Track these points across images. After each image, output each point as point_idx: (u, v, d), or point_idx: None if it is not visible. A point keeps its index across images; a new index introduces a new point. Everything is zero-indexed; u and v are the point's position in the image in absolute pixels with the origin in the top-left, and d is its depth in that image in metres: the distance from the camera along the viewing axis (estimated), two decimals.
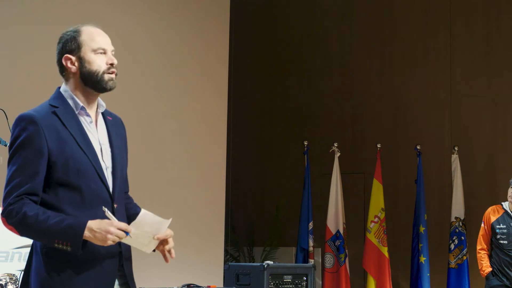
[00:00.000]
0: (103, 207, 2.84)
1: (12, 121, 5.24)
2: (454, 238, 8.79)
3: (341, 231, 9.06)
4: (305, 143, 9.47)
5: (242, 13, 10.65)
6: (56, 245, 2.73)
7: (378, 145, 9.22)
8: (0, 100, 6.09)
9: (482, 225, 7.13)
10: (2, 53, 6.94)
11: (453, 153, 8.99)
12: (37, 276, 2.80)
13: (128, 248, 3.04)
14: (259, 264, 6.99)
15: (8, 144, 2.88)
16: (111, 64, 3.00)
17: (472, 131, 9.64)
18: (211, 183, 8.82)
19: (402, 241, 9.32)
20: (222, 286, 7.60)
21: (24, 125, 2.82)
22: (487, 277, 7.03)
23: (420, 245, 8.76)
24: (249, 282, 6.85)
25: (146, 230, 2.99)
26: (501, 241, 6.93)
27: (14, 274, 5.34)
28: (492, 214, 7.07)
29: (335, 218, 9.10)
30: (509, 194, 6.97)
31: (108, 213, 2.82)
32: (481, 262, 7.04)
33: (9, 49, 7.00)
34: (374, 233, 8.94)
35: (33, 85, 7.16)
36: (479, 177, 9.46)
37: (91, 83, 2.96)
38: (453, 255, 8.74)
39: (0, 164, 6.80)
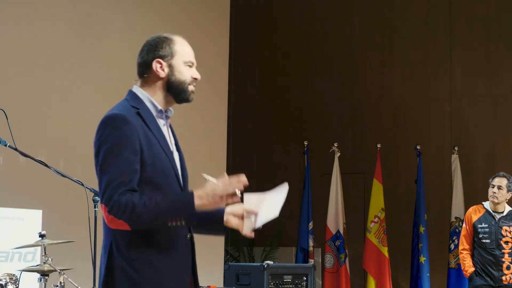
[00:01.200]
0: (203, 173, 2.91)
1: (12, 121, 5.25)
2: (454, 238, 8.79)
3: (341, 231, 9.06)
4: (305, 143, 9.47)
5: (242, 13, 10.65)
6: (169, 224, 2.76)
7: (378, 145, 9.22)
8: (0, 100, 6.09)
9: (464, 225, 7.11)
10: (2, 53, 6.93)
11: (453, 153, 8.99)
12: (122, 274, 2.80)
13: (193, 238, 3.03)
14: (259, 264, 6.99)
15: (96, 145, 2.85)
16: (195, 79, 3.05)
17: (472, 131, 9.63)
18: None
19: (402, 241, 9.32)
20: (222, 286, 7.60)
21: (118, 125, 2.86)
22: (470, 277, 7.01)
23: (420, 245, 8.76)
24: (249, 282, 6.85)
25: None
26: (484, 240, 6.92)
27: (14, 274, 5.34)
28: (473, 214, 7.06)
29: (335, 218, 9.10)
30: (489, 193, 6.96)
31: (208, 176, 2.88)
32: (464, 262, 7.03)
33: (9, 49, 7.00)
34: (374, 233, 8.94)
35: (33, 85, 7.16)
36: (479, 177, 9.45)
37: (175, 92, 3.02)
38: (453, 255, 8.73)
39: (0, 164, 6.80)
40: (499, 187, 6.88)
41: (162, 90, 3.02)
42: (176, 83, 3.00)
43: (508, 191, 6.89)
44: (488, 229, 6.89)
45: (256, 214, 2.95)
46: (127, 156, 2.80)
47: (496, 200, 6.88)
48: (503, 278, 6.83)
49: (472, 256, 7.01)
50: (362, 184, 9.89)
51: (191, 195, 2.79)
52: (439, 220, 9.39)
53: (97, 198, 5.11)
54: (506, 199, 6.92)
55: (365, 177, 9.84)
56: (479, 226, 6.94)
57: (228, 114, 9.39)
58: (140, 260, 2.81)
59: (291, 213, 9.88)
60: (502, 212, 6.93)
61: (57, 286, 5.32)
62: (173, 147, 3.02)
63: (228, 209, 3.01)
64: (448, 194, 9.08)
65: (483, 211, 7.00)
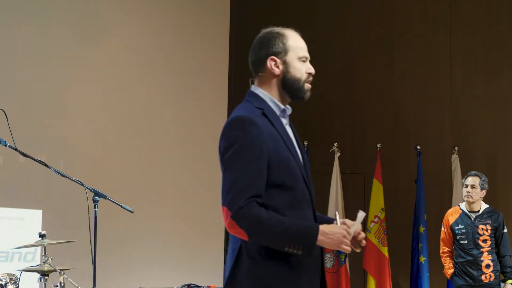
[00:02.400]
0: (336, 211, 2.98)
1: (12, 121, 5.25)
2: None
3: None
4: (305, 143, 9.47)
5: (242, 13, 10.65)
6: (286, 249, 2.70)
7: (378, 145, 9.22)
8: (0, 100, 6.09)
9: (442, 228, 7.13)
10: (2, 53, 6.93)
11: (453, 153, 8.99)
12: (254, 278, 2.74)
13: (323, 249, 2.99)
14: None
15: (223, 147, 2.81)
16: (310, 74, 2.98)
17: (472, 131, 9.63)
18: (211, 183, 8.82)
19: (402, 241, 9.32)
20: (222, 286, 7.60)
21: (246, 127, 2.77)
22: (451, 278, 7.03)
23: (420, 245, 8.76)
24: None
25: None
26: (462, 241, 6.93)
27: (14, 274, 5.35)
28: (450, 216, 7.08)
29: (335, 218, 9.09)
30: (464, 193, 6.97)
31: (338, 216, 2.84)
32: (444, 265, 7.06)
33: (9, 49, 7.00)
34: (374, 233, 8.94)
35: (33, 85, 7.16)
36: None
37: (291, 90, 2.95)
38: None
39: (0, 164, 6.80)
40: (473, 186, 6.90)
41: (278, 88, 2.95)
42: (292, 80, 2.93)
43: (481, 189, 6.91)
44: (464, 230, 6.92)
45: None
46: (253, 159, 2.74)
47: (471, 200, 6.91)
48: (483, 277, 6.85)
49: (455, 257, 7.04)
50: (362, 184, 9.89)
51: (317, 228, 2.74)
52: (439, 220, 9.37)
53: (97, 198, 5.11)
54: (480, 197, 6.94)
55: (365, 177, 9.84)
56: (456, 227, 6.97)
57: (228, 114, 9.39)
58: (273, 266, 2.75)
59: None
60: (478, 211, 6.94)
61: (57, 286, 5.32)
62: (296, 147, 2.96)
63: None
64: (448, 194, 9.08)
65: (459, 212, 7.02)
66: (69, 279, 5.45)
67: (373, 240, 8.93)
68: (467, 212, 6.95)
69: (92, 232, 5.04)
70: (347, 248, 2.82)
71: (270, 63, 2.93)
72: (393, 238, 9.22)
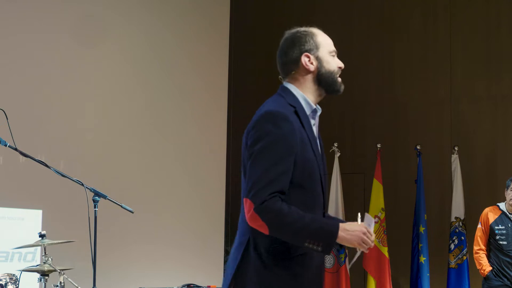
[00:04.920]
0: (359, 213, 2.91)
1: (12, 121, 5.24)
2: (454, 238, 8.79)
3: None
4: None
5: (242, 13, 10.64)
6: (306, 244, 2.72)
7: (378, 145, 9.22)
8: (0, 100, 6.09)
9: (479, 226, 7.14)
10: (2, 53, 6.93)
11: (453, 153, 8.99)
12: (257, 274, 2.76)
13: None
14: None
15: (253, 138, 2.81)
16: (340, 68, 3.06)
17: (472, 131, 9.63)
18: (211, 183, 8.82)
19: (402, 241, 9.32)
20: (221, 286, 7.59)
21: (279, 122, 2.79)
22: (487, 277, 7.05)
23: (420, 245, 8.76)
24: None
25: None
26: (501, 242, 6.95)
27: (14, 274, 5.35)
28: (490, 215, 7.10)
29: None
30: (510, 196, 7.00)
31: (360, 217, 2.88)
32: (480, 262, 7.06)
33: (9, 49, 7.00)
34: (374, 233, 8.93)
35: (33, 85, 7.16)
36: (479, 177, 9.46)
37: (326, 84, 3.01)
38: (453, 255, 8.74)
39: (0, 164, 6.80)
40: None
41: (313, 84, 3.00)
42: (327, 74, 3.00)
43: None
44: (505, 231, 6.95)
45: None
46: (282, 155, 2.75)
47: None
48: None
49: (488, 257, 7.06)
50: (362, 184, 9.89)
51: (337, 225, 2.77)
52: (439, 220, 9.39)
53: (97, 198, 5.11)
54: None
55: (365, 177, 9.83)
56: (496, 227, 6.99)
57: (228, 114, 9.39)
58: (279, 264, 2.78)
59: None
60: None
61: (57, 286, 5.32)
62: (319, 148, 2.98)
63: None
64: (448, 194, 9.08)
65: (499, 213, 7.06)
66: (69, 279, 5.45)
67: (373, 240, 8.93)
68: (508, 213, 6.99)
69: (92, 232, 5.04)
70: (368, 245, 2.84)
71: (304, 60, 2.98)
72: (393, 238, 9.22)
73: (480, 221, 7.19)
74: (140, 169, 8.12)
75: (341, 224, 2.79)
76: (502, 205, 7.09)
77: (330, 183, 9.22)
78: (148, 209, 7.93)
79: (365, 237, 2.82)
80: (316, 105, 3.03)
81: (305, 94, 2.99)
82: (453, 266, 8.72)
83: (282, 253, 2.78)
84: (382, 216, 8.95)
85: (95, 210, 5.11)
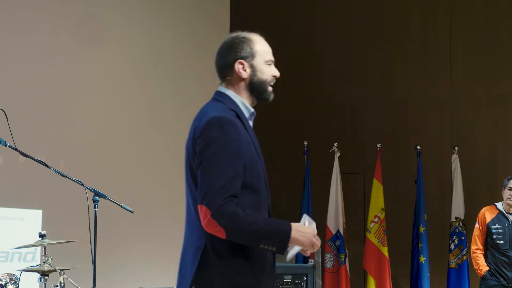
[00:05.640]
0: (304, 214, 3.00)
1: (12, 121, 5.25)
2: (454, 238, 8.79)
3: (341, 231, 9.06)
4: (305, 143, 9.47)
5: (242, 13, 10.64)
6: (261, 246, 2.79)
7: (378, 145, 9.22)
8: (0, 100, 6.09)
9: (477, 225, 7.16)
10: (2, 53, 6.93)
11: (453, 153, 8.98)
12: (223, 276, 2.82)
13: None
14: None
15: (201, 146, 2.86)
16: (275, 76, 3.08)
17: (472, 131, 9.63)
18: None
19: (402, 241, 9.32)
20: None
21: (225, 127, 2.85)
22: (484, 277, 7.06)
23: (420, 245, 8.76)
24: None
25: None
26: (498, 241, 6.96)
27: (14, 274, 5.35)
28: (487, 215, 7.11)
29: (335, 218, 9.10)
30: (506, 196, 7.00)
31: (306, 218, 2.95)
32: (478, 261, 7.07)
33: (9, 49, 7.00)
34: (374, 233, 8.94)
35: (33, 85, 7.16)
36: (479, 177, 9.46)
37: (257, 92, 3.04)
38: (453, 255, 8.74)
39: (0, 164, 6.80)
40: None
41: (246, 91, 3.03)
42: (258, 83, 3.03)
43: None
44: (502, 230, 6.96)
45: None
46: (233, 160, 2.81)
47: None
48: None
49: (485, 256, 7.06)
50: (362, 184, 9.89)
51: (290, 226, 2.85)
52: (439, 220, 9.39)
53: (97, 198, 5.11)
54: None
55: (365, 177, 9.83)
56: (493, 227, 7.00)
57: None
58: (242, 265, 2.84)
59: (291, 213, 9.88)
60: None
61: (57, 286, 5.32)
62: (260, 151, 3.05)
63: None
64: (448, 194, 9.08)
65: (496, 212, 7.07)
66: (69, 279, 5.45)
67: (373, 240, 8.93)
68: (505, 213, 7.00)
69: (92, 232, 5.04)
70: (316, 247, 2.91)
71: (238, 67, 3.01)
72: (393, 238, 9.22)
73: (477, 220, 7.20)
74: (140, 169, 8.12)
75: (293, 225, 2.86)
76: (499, 205, 7.10)
77: (330, 183, 9.21)
78: (148, 209, 7.92)
79: (314, 240, 2.89)
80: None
81: (242, 98, 3.04)
82: (453, 266, 8.72)
83: (241, 253, 2.84)
84: (382, 216, 8.95)
85: (95, 210, 5.11)
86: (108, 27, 7.92)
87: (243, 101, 3.02)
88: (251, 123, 3.05)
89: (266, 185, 3.00)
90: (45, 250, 5.41)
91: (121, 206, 5.31)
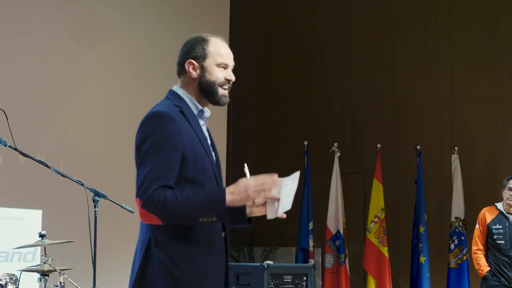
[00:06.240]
0: (245, 164, 3.00)
1: (12, 121, 5.25)
2: (454, 238, 8.79)
3: (341, 231, 9.06)
4: (305, 143, 9.47)
5: (242, 13, 10.64)
6: (201, 219, 2.80)
7: (378, 145, 9.22)
8: (0, 100, 6.09)
9: (477, 226, 7.16)
10: (2, 53, 6.93)
11: (453, 153, 8.98)
12: (161, 268, 2.85)
13: (228, 237, 3.08)
14: (259, 264, 6.98)
15: (139, 139, 2.95)
16: (228, 81, 3.08)
17: (472, 131, 9.63)
18: None
19: (402, 241, 9.32)
20: None
21: (163, 122, 2.90)
22: (485, 277, 7.06)
23: (420, 245, 8.76)
24: (249, 282, 6.85)
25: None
26: (498, 241, 6.97)
27: (14, 274, 5.35)
28: (487, 215, 7.12)
29: (335, 218, 9.10)
30: (506, 196, 7.01)
31: (246, 170, 2.95)
32: (479, 262, 7.08)
33: (9, 49, 7.00)
34: (374, 233, 8.94)
35: (33, 85, 7.16)
36: (479, 177, 9.46)
37: (207, 93, 3.06)
38: (453, 255, 8.74)
39: (0, 164, 6.80)
40: None
41: (196, 91, 3.06)
42: (206, 84, 3.04)
43: None
44: (502, 231, 6.97)
45: (278, 200, 2.97)
46: (168, 152, 2.86)
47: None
48: None
49: (486, 257, 7.06)
50: (362, 184, 9.89)
51: (223, 190, 2.84)
52: (439, 220, 9.39)
53: (97, 198, 5.11)
54: None
55: (365, 177, 9.83)
56: (494, 227, 7.01)
57: (228, 114, 9.39)
58: (181, 256, 2.86)
59: (291, 213, 9.86)
60: None
61: (57, 286, 5.32)
62: (210, 148, 3.07)
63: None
64: (448, 194, 9.08)
65: (496, 212, 7.07)
66: (69, 279, 5.45)
67: (373, 240, 8.93)
68: (505, 213, 7.00)
69: (92, 232, 5.04)
70: (257, 194, 2.86)
71: (188, 67, 3.05)
72: (393, 238, 9.22)
73: (477, 221, 7.20)
74: None
75: (227, 188, 2.85)
76: (499, 205, 7.10)
77: (330, 183, 9.21)
78: None
79: (257, 188, 2.85)
80: (204, 108, 3.11)
81: (192, 96, 3.07)
82: (453, 266, 8.72)
83: (182, 245, 2.86)
84: (382, 216, 8.95)
85: (95, 210, 5.12)
86: (108, 27, 7.91)
87: (191, 98, 3.05)
88: (202, 121, 3.07)
89: (218, 181, 3.02)
90: (45, 250, 5.41)
91: (121, 206, 5.31)
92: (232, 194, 2.83)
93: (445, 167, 9.27)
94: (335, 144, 9.34)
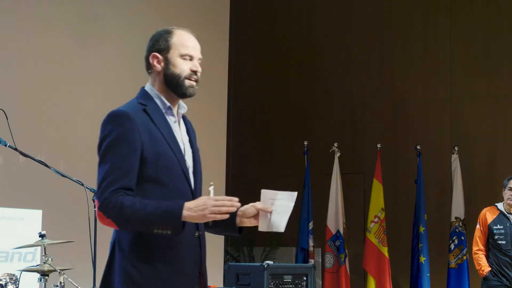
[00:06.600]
0: (211, 183, 2.92)
1: (12, 121, 5.25)
2: (454, 238, 8.79)
3: (341, 231, 9.07)
4: (305, 143, 9.47)
5: (242, 13, 10.65)
6: (156, 230, 2.76)
7: (378, 145, 9.22)
8: (0, 100, 6.09)
9: (478, 226, 7.16)
10: (2, 53, 6.93)
11: (453, 153, 8.99)
12: (122, 273, 2.82)
13: (204, 236, 3.04)
14: (259, 264, 6.98)
15: (99, 141, 2.88)
16: (194, 72, 3.00)
17: (472, 131, 9.64)
18: (210, 183, 8.81)
19: (402, 241, 9.32)
20: (222, 286, 7.60)
21: (119, 121, 2.87)
22: (486, 277, 7.06)
23: (420, 245, 8.76)
24: (249, 282, 6.85)
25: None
26: (499, 242, 6.97)
27: (14, 274, 5.34)
28: (488, 215, 7.12)
29: (335, 218, 9.10)
30: (507, 196, 7.01)
31: (211, 189, 2.90)
32: (479, 262, 7.08)
33: (9, 49, 7.00)
34: (374, 233, 8.94)
35: (33, 85, 7.16)
36: (479, 177, 9.46)
37: (172, 86, 2.98)
38: (453, 255, 8.74)
39: (0, 164, 6.80)
40: None
41: (163, 85, 2.99)
42: (171, 77, 2.96)
43: None
44: (503, 231, 6.97)
45: (270, 212, 2.93)
46: (124, 152, 2.81)
47: None
48: None
49: (487, 257, 7.07)
50: (362, 184, 9.89)
51: (181, 205, 2.77)
52: (439, 220, 9.39)
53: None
54: None
55: (365, 177, 9.84)
56: (495, 227, 7.01)
57: (228, 114, 9.38)
58: (141, 260, 2.82)
59: (291, 213, 9.86)
60: None
61: (57, 286, 5.32)
62: (184, 144, 2.99)
63: (240, 211, 2.98)
64: (448, 194, 9.08)
65: (497, 213, 7.08)
66: (69, 279, 5.44)
67: (373, 240, 8.93)
68: (506, 213, 7.01)
69: (92, 232, 5.04)
70: (212, 215, 2.80)
71: (152, 60, 2.99)
72: (393, 238, 9.22)
73: (478, 221, 7.20)
74: None
75: (186, 203, 2.78)
76: (500, 205, 7.11)
77: (330, 183, 9.21)
78: None
79: (213, 210, 2.79)
80: (181, 105, 3.05)
81: (160, 93, 3.00)
82: (453, 266, 8.73)
83: (144, 248, 2.82)
84: (382, 216, 8.95)
85: (95, 210, 5.11)
86: (108, 27, 7.91)
87: (159, 95, 2.98)
88: (173, 118, 3.00)
89: (188, 178, 2.95)
90: (45, 250, 5.40)
91: None
92: (189, 210, 2.76)
93: (445, 167, 9.28)
94: (335, 144, 9.34)
